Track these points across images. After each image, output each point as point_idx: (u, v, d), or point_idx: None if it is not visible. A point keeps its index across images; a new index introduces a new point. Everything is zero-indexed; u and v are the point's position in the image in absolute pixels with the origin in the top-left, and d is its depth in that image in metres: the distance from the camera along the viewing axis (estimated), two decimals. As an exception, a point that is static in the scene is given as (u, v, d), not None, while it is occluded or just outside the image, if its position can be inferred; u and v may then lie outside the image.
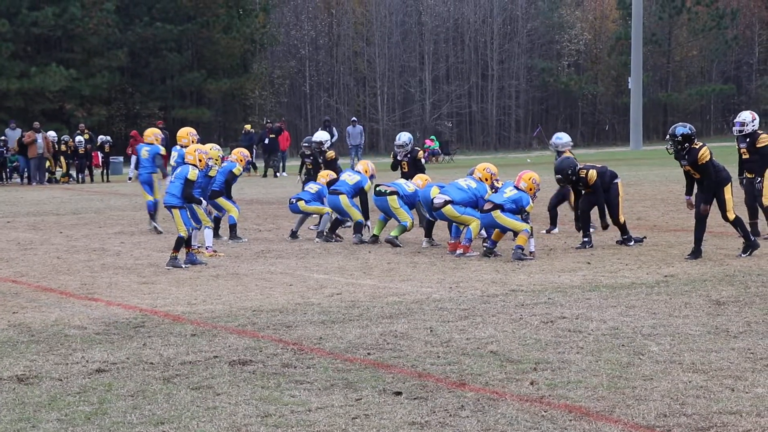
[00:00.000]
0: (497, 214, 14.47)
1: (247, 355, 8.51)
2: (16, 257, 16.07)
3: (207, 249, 15.65)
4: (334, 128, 43.33)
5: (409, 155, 19.22)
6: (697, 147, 14.01)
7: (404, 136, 19.50)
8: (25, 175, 39.56)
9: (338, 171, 20.21)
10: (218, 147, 17.37)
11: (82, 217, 23.42)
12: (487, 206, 14.66)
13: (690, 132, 14.11)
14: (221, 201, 17.86)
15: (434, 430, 6.29)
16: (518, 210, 14.54)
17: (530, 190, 14.73)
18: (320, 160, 20.37)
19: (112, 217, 23.00)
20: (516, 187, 14.69)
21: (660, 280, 12.08)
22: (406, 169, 19.24)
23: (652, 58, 73.10)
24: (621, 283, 11.93)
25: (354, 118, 46.20)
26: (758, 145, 15.94)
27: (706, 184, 14.05)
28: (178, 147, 17.67)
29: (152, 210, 19.64)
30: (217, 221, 17.87)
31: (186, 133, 17.75)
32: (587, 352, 8.30)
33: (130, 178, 29.31)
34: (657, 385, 7.23)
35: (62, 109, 56.96)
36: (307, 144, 23.33)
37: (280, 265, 14.43)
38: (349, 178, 17.66)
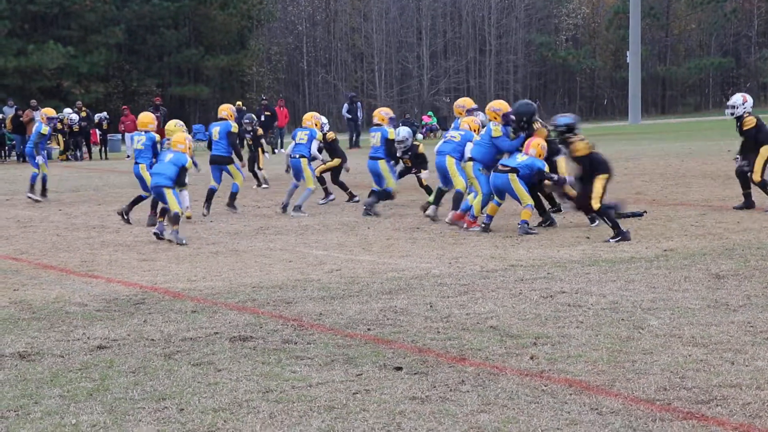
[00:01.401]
0: (513, 178, 14.43)
1: (247, 332, 8.53)
2: (15, 235, 16.08)
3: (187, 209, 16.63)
4: (359, 104, 43.34)
5: (409, 151, 19.00)
6: (573, 140, 14.22)
7: (403, 131, 18.84)
8: (20, 152, 39.54)
9: (339, 153, 20.13)
10: (181, 123, 17.59)
11: (81, 194, 23.43)
12: (503, 168, 14.64)
13: (572, 122, 14.52)
14: (231, 168, 18.25)
15: (435, 405, 6.31)
16: (531, 175, 14.45)
17: (540, 156, 14.67)
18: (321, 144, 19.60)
19: (111, 194, 22.99)
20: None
21: (659, 254, 12.09)
22: (409, 164, 19.17)
23: (650, 31, 72.98)
24: (620, 257, 11.94)
25: (353, 94, 46.11)
26: (744, 128, 16.38)
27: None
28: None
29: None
30: (211, 193, 18.18)
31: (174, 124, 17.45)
32: (587, 327, 8.32)
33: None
34: (657, 358, 7.25)
35: (59, 87, 56.92)
36: (248, 120, 24.17)
37: (280, 241, 14.44)
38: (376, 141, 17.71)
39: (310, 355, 7.67)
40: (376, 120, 17.87)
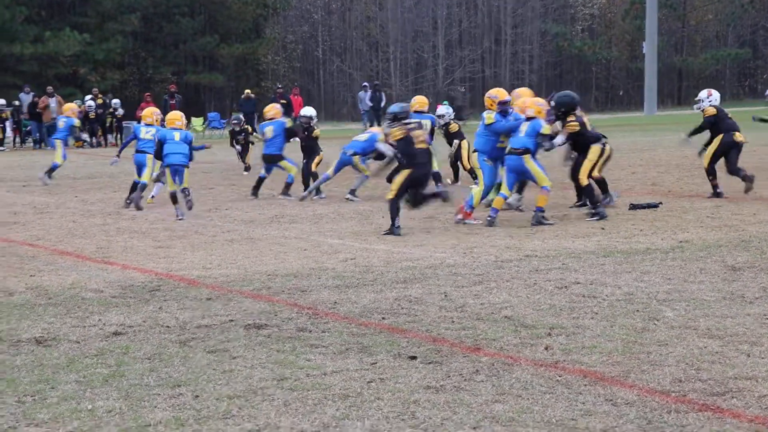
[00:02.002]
0: (527, 158, 14.38)
1: (262, 319, 8.55)
2: (32, 221, 16.13)
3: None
4: (382, 93, 43.37)
5: (443, 126, 20.11)
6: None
7: (442, 109, 20.26)
8: (36, 139, 39.67)
9: (317, 150, 19.68)
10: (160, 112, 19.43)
11: (96, 181, 23.50)
12: (514, 150, 14.51)
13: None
14: (284, 164, 19.09)
15: (449, 394, 6.32)
16: (537, 140, 14.46)
17: (539, 113, 14.66)
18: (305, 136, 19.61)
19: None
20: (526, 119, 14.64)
21: (675, 245, 12.06)
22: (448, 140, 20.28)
23: (666, 22, 72.64)
24: (635, 248, 11.92)
25: (365, 83, 46.05)
26: (704, 116, 17.11)
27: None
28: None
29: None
30: (260, 181, 19.19)
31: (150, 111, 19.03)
32: (602, 318, 8.31)
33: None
34: (672, 350, 7.24)
35: (76, 74, 56.93)
36: (236, 121, 25.13)
37: (294, 229, 14.45)
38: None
39: (325, 343, 7.68)
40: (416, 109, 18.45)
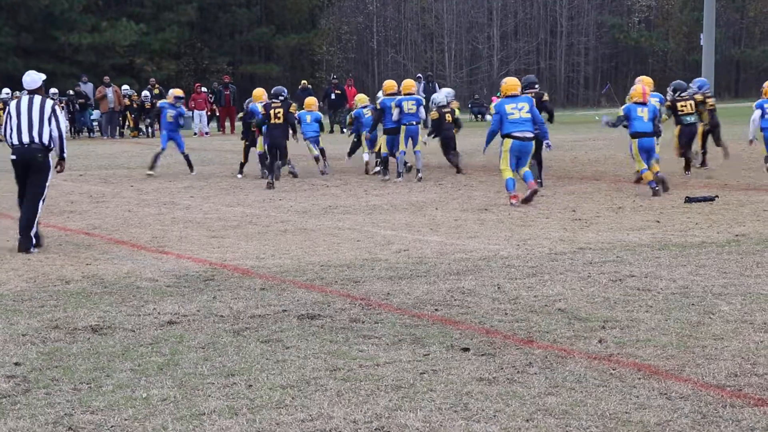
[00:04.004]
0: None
1: (315, 310, 8.57)
2: (88, 210, 16.30)
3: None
4: (436, 84, 43.29)
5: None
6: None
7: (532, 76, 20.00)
8: (90, 128, 40.15)
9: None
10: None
11: (152, 171, 23.64)
12: (648, 133, 16.75)
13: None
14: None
15: (502, 387, 6.30)
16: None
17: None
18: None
19: (182, 171, 23.19)
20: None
21: (731, 239, 11.94)
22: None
23: (725, 13, 71.82)
24: (691, 242, 11.81)
25: (419, 75, 45.97)
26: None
27: None
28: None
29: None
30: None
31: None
32: (656, 311, 8.25)
33: (195, 134, 30.47)
34: (727, 344, 7.17)
35: (132, 64, 57.45)
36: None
37: (348, 220, 14.48)
38: None
39: (378, 334, 7.69)
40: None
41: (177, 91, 24.09)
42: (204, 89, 41.30)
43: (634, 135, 16.54)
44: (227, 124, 41.94)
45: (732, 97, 70.20)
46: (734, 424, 5.58)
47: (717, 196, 15.80)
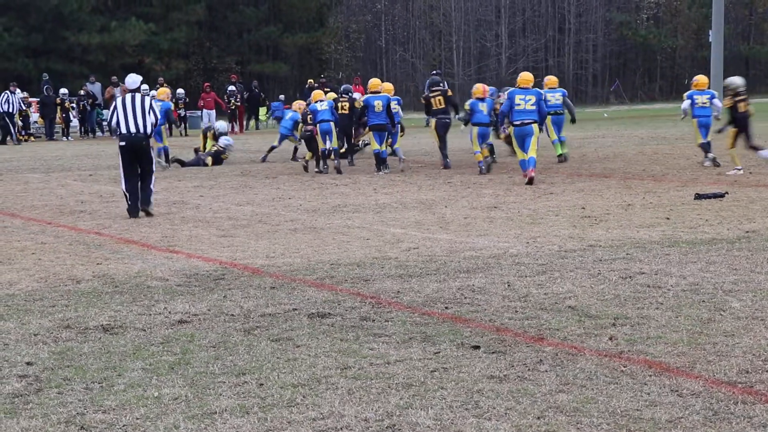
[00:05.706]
0: None
1: (325, 308, 8.58)
2: (98, 209, 16.33)
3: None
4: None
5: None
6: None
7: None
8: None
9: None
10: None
11: (160, 170, 23.68)
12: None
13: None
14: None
15: (513, 384, 6.30)
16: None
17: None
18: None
19: (191, 170, 23.23)
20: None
21: (741, 235, 11.93)
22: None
23: (733, 10, 71.72)
24: (701, 238, 11.80)
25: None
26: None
27: None
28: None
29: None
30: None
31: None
32: (667, 308, 8.24)
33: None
34: (738, 341, 7.17)
35: (141, 63, 57.53)
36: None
37: (357, 219, 14.49)
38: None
39: (388, 332, 7.69)
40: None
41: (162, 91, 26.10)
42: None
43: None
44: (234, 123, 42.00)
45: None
46: (746, 421, 5.57)
47: (727, 193, 15.78)
